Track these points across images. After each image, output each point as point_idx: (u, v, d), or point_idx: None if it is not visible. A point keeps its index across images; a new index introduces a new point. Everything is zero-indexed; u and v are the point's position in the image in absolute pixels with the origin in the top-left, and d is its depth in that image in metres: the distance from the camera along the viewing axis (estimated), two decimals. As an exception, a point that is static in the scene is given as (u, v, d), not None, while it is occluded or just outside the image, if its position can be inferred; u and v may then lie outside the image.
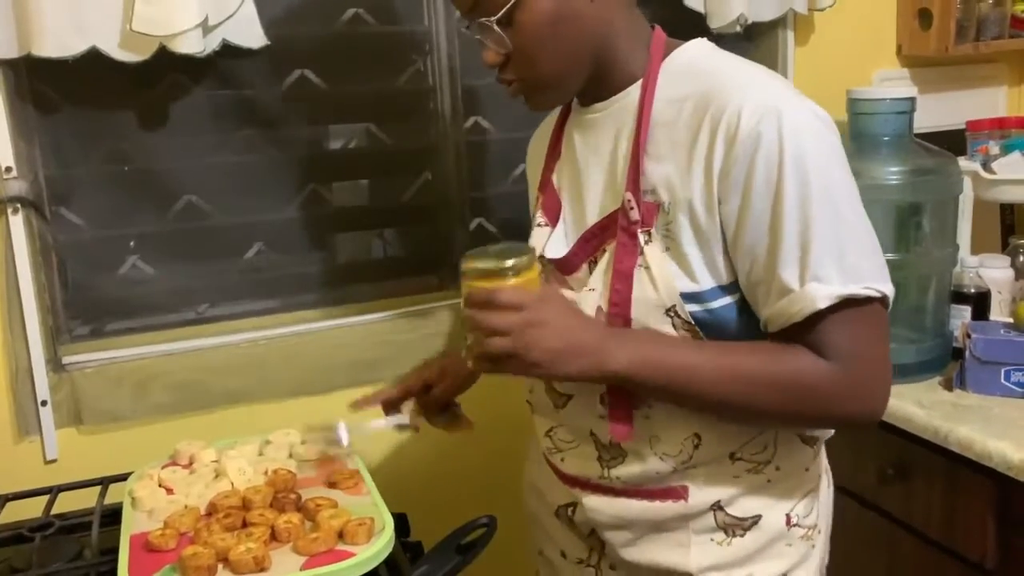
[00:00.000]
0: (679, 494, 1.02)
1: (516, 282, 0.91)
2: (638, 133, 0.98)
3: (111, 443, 1.46)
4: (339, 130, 1.66)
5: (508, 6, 0.94)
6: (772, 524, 1.03)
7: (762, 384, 0.93)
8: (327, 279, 1.65)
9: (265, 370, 1.53)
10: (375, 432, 1.15)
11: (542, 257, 1.07)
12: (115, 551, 0.98)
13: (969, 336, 1.45)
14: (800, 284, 0.90)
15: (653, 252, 0.96)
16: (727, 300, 0.96)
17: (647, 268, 0.96)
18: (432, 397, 1.23)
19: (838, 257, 0.90)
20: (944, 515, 1.39)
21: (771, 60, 1.82)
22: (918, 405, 1.42)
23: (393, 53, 1.63)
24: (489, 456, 1.61)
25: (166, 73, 1.46)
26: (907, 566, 1.47)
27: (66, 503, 1.19)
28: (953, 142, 1.76)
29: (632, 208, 0.97)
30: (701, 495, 1.01)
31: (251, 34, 1.41)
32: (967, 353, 1.44)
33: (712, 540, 1.03)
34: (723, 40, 1.71)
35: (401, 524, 1.10)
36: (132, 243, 1.52)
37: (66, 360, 1.45)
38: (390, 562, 0.96)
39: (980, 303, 1.58)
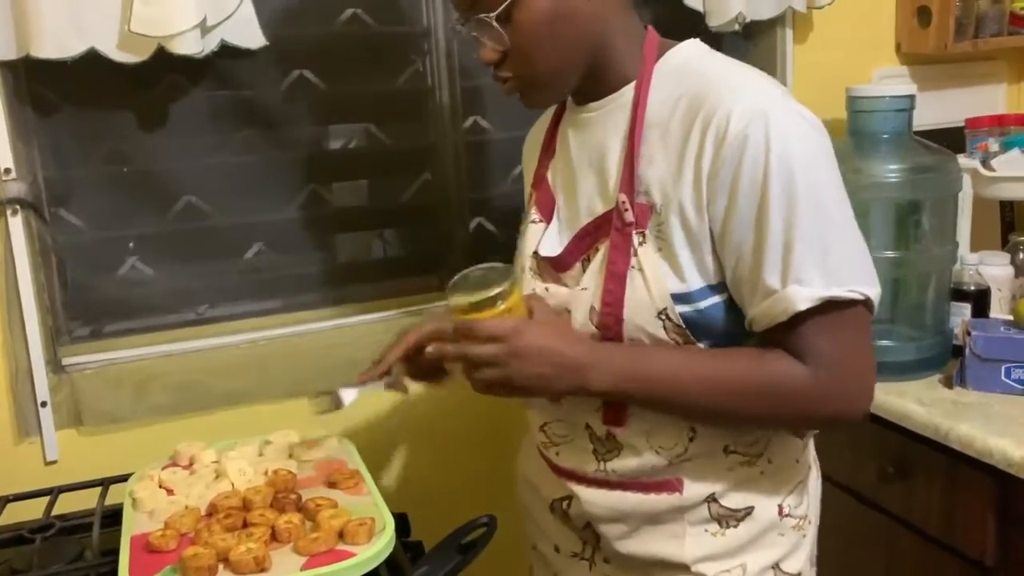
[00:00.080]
0: (674, 486, 1.03)
1: (503, 308, 0.97)
2: (632, 135, 0.99)
3: (111, 444, 1.46)
4: (338, 130, 1.66)
5: (507, 3, 0.95)
6: (765, 515, 1.05)
7: (744, 392, 0.96)
8: (327, 279, 1.65)
9: (265, 370, 1.53)
10: (371, 393, 1.14)
11: (536, 254, 1.09)
12: (116, 552, 0.98)
13: (969, 333, 1.45)
14: (782, 285, 0.92)
15: (646, 253, 0.97)
16: (715, 299, 0.97)
17: (640, 270, 0.97)
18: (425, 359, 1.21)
19: (821, 259, 0.91)
20: (944, 512, 1.39)
21: (770, 58, 1.82)
22: (918, 403, 1.42)
23: (392, 53, 1.63)
24: (489, 456, 1.61)
25: (165, 74, 1.46)
26: (907, 563, 1.47)
27: (66, 504, 1.19)
28: (952, 140, 1.76)
29: (627, 210, 0.98)
30: (695, 487, 1.03)
31: (250, 34, 1.41)
32: (967, 350, 1.44)
33: (706, 531, 1.04)
34: (722, 38, 1.72)
35: (402, 524, 1.10)
36: (131, 244, 1.52)
37: (66, 361, 1.45)
38: (391, 562, 0.96)
39: (980, 300, 1.58)
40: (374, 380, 1.13)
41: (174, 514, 1.02)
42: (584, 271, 1.03)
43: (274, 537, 0.96)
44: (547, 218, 1.10)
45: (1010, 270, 1.64)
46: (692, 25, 1.62)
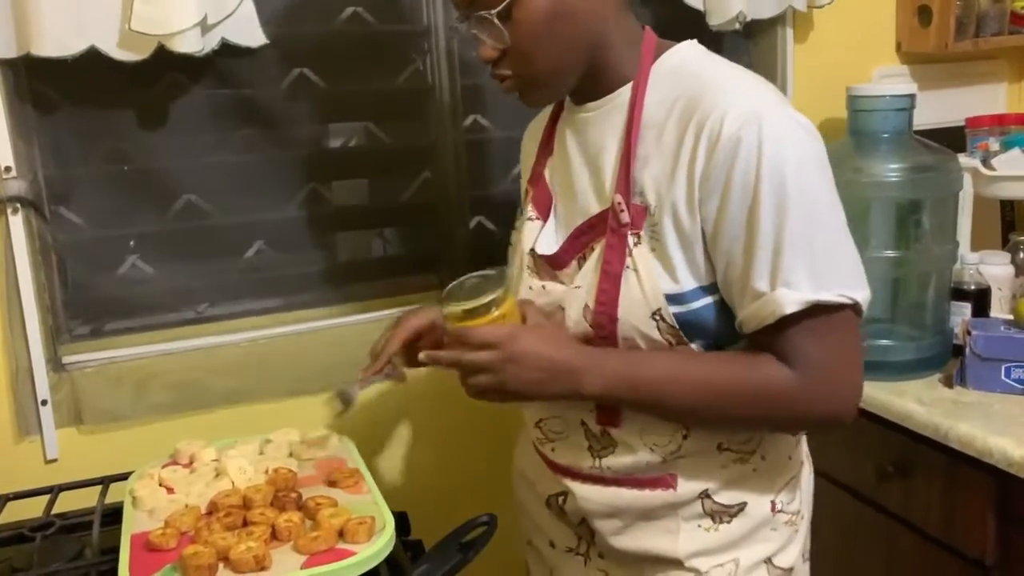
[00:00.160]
0: (668, 483, 1.04)
1: (497, 314, 0.98)
2: (629, 136, 0.99)
3: (111, 442, 1.46)
4: (338, 129, 1.66)
5: (507, 0, 0.95)
6: (758, 510, 1.06)
7: (733, 396, 0.97)
8: (327, 278, 1.65)
9: (265, 369, 1.53)
10: (372, 384, 1.16)
11: (533, 251, 1.10)
12: (116, 550, 0.98)
13: (969, 333, 1.45)
14: (771, 288, 0.92)
15: (641, 254, 0.98)
16: (708, 300, 0.98)
17: (635, 270, 0.98)
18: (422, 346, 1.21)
19: (810, 263, 0.92)
20: (944, 512, 1.39)
21: (770, 58, 1.82)
22: (918, 402, 1.42)
23: (392, 51, 1.63)
24: (489, 455, 1.61)
25: (165, 72, 1.46)
26: (907, 563, 1.47)
27: (67, 503, 1.19)
28: (953, 139, 1.76)
29: (622, 211, 0.99)
30: (689, 484, 1.04)
31: (250, 33, 1.41)
32: (967, 350, 1.44)
33: (700, 527, 1.05)
34: (722, 38, 1.72)
35: (402, 523, 1.10)
36: (132, 242, 1.52)
37: (66, 360, 1.45)
38: (391, 561, 0.96)
39: (980, 300, 1.59)
40: (378, 375, 1.13)
41: (174, 513, 1.02)
42: (579, 270, 1.04)
43: (274, 536, 0.96)
44: (544, 216, 1.11)
45: (1010, 269, 1.64)
46: (692, 24, 1.62)
